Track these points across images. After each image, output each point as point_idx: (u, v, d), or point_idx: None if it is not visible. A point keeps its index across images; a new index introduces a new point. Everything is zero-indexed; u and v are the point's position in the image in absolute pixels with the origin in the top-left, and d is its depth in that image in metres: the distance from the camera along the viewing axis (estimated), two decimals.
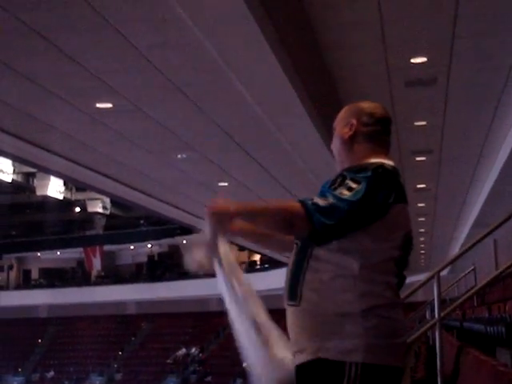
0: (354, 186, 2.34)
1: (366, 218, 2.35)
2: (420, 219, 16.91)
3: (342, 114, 2.63)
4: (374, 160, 2.48)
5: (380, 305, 2.38)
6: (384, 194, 2.38)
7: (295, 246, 2.51)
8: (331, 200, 2.32)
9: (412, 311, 11.22)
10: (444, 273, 6.09)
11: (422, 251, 22.97)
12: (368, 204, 2.33)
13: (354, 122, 2.55)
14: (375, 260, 2.39)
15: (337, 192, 2.34)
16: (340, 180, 2.39)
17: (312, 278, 2.42)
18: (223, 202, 2.40)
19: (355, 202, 2.31)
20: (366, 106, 2.60)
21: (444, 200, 14.51)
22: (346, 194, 2.32)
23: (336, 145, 2.60)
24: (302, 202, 2.32)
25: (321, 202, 2.32)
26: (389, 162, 2.52)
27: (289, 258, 2.55)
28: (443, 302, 7.22)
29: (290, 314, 2.48)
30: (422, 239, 20.49)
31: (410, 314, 10.78)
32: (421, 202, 14.70)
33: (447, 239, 20.60)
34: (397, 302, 2.46)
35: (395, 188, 2.43)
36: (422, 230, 18.72)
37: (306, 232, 2.35)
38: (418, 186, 13.09)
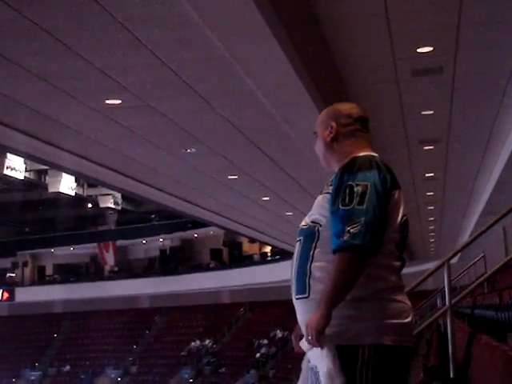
0: (362, 192, 2.46)
1: (386, 215, 2.50)
2: (429, 208, 16.91)
3: (321, 117, 2.75)
4: (361, 153, 2.62)
5: (386, 287, 2.49)
6: (384, 184, 2.52)
7: (298, 242, 2.60)
8: (358, 223, 2.42)
9: (423, 299, 11.27)
10: (454, 260, 6.12)
11: (432, 239, 22.96)
12: (383, 201, 2.49)
13: (334, 124, 2.67)
14: (382, 247, 2.50)
15: (356, 206, 2.44)
16: (348, 191, 2.48)
17: (319, 268, 2.51)
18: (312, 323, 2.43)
19: (376, 207, 2.46)
20: (343, 107, 2.71)
21: (452, 188, 14.52)
22: (362, 204, 2.45)
23: (320, 148, 2.73)
24: (345, 249, 2.42)
25: (353, 230, 2.42)
26: (374, 154, 2.66)
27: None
28: (454, 290, 7.26)
29: (301, 308, 2.56)
30: (431, 227, 20.48)
31: (420, 301, 10.83)
32: (429, 191, 14.71)
33: (456, 227, 20.58)
34: (400, 285, 2.57)
35: (390, 176, 2.57)
36: (431, 219, 18.72)
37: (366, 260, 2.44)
38: (427, 174, 13.11)
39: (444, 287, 5.44)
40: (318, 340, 2.40)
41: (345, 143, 2.66)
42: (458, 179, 13.70)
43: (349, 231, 2.41)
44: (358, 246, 2.39)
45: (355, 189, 2.46)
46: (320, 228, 2.54)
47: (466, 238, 19.99)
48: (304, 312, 2.53)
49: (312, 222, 2.58)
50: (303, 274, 2.52)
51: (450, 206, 16.68)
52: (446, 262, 5.35)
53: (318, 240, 2.53)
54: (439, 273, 5.54)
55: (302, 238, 2.59)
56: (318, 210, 2.58)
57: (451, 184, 14.01)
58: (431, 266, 6.03)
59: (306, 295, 2.51)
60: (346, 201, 2.45)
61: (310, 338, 2.42)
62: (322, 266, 2.50)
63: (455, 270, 8.21)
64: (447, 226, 19.95)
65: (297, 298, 2.56)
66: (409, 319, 2.52)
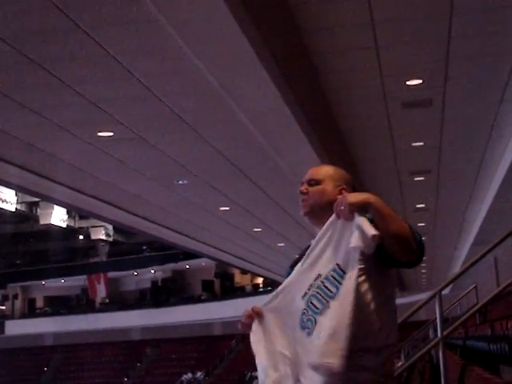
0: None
1: None
2: None
3: (331, 174, 2.75)
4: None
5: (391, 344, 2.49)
6: None
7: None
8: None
9: (415, 330, 11.24)
10: (446, 291, 6.14)
11: (423, 270, 22.95)
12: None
13: (346, 188, 2.70)
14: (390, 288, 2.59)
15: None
16: None
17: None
18: (352, 197, 2.45)
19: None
20: (349, 177, 2.79)
21: (444, 219, 14.57)
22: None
23: (322, 199, 2.69)
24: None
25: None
26: None
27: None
28: (446, 321, 7.27)
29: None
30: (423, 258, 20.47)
31: (412, 333, 10.81)
32: (421, 222, 14.76)
33: (448, 258, 20.61)
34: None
35: None
36: None
37: (413, 256, 2.52)
38: (418, 205, 13.17)
39: (436, 318, 5.44)
40: (351, 212, 2.41)
41: None
42: (449, 210, 13.76)
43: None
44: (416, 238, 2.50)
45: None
46: None
47: (457, 268, 20.02)
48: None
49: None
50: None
51: (441, 237, 16.72)
52: (437, 293, 5.36)
53: None
54: (431, 304, 5.55)
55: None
56: None
57: (442, 214, 14.07)
58: (423, 296, 6.05)
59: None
60: None
61: (342, 208, 2.43)
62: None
63: (447, 300, 8.21)
64: (439, 257, 19.98)
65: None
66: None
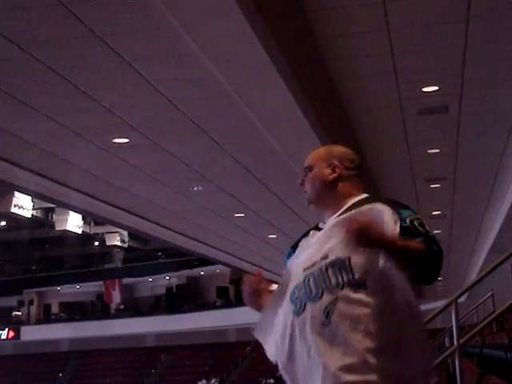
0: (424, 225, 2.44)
1: None
2: None
3: (322, 155, 2.65)
4: (362, 196, 2.57)
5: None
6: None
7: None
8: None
9: (431, 338, 11.16)
10: (462, 299, 6.09)
11: (440, 278, 22.82)
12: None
13: (338, 164, 2.60)
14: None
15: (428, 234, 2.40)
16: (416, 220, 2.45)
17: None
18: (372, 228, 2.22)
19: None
20: (346, 151, 2.66)
21: (460, 226, 14.49)
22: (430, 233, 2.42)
23: (316, 185, 2.61)
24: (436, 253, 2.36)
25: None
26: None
27: None
28: (462, 329, 7.20)
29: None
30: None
31: (429, 341, 10.76)
32: (436, 229, 14.67)
33: (464, 265, 20.49)
34: None
35: None
36: None
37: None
38: (434, 212, 13.09)
39: (452, 326, 5.40)
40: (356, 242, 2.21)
41: (345, 185, 2.59)
42: (466, 217, 13.68)
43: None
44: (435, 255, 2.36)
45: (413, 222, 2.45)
46: None
47: (474, 275, 19.89)
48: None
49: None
50: None
51: (457, 244, 16.63)
52: (453, 300, 5.32)
53: None
54: (447, 312, 5.50)
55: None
56: None
57: (458, 222, 13.99)
58: (439, 304, 6.00)
59: None
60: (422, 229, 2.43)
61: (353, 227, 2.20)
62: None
63: (463, 308, 8.16)
64: (455, 264, 19.87)
65: None
66: None
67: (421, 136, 8.43)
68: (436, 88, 6.81)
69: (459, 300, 5.41)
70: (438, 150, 9.06)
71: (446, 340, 10.50)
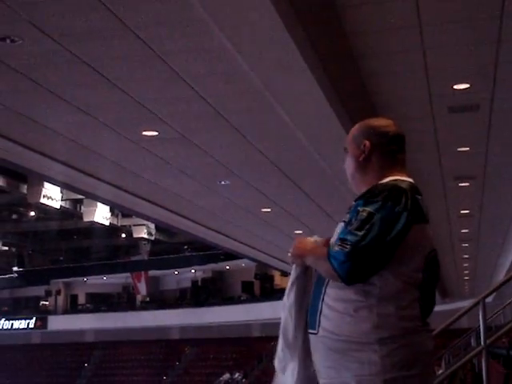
0: (367, 224, 2.29)
1: (387, 254, 2.29)
2: (464, 245, 16.73)
3: (353, 132, 2.55)
4: (388, 179, 2.43)
5: (396, 335, 2.30)
6: (400, 219, 2.30)
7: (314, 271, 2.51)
8: (348, 245, 2.28)
9: (457, 338, 11.09)
10: (489, 299, 6.04)
11: (466, 277, 22.67)
12: (384, 241, 2.28)
13: (367, 143, 2.48)
14: (394, 288, 2.32)
15: (353, 233, 2.29)
16: (355, 217, 2.34)
17: (328, 306, 2.38)
18: (304, 243, 2.62)
19: (371, 243, 2.26)
20: (378, 124, 2.53)
21: (488, 226, 14.36)
22: (359, 234, 2.27)
23: (350, 166, 2.53)
24: (328, 254, 2.37)
25: (337, 247, 2.32)
26: (405, 180, 2.45)
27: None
28: (489, 329, 7.14)
29: (312, 344, 2.44)
30: (465, 265, 20.23)
31: (454, 340, 10.66)
32: (464, 228, 14.57)
33: (492, 265, 20.31)
34: (417, 330, 2.35)
35: (412, 208, 2.34)
36: (466, 256, 18.50)
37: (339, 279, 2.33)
38: (462, 211, 12.99)
39: (479, 326, 5.35)
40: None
41: (377, 167, 2.46)
42: (494, 216, 13.55)
43: (336, 250, 2.32)
44: (333, 266, 2.31)
45: (360, 214, 2.31)
46: None
47: (501, 276, 19.71)
48: (312, 348, 2.42)
49: None
50: (315, 309, 2.41)
51: (485, 244, 16.49)
52: (481, 300, 5.26)
53: None
54: (474, 311, 5.45)
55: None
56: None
57: (487, 221, 13.86)
58: (465, 304, 5.95)
59: (316, 331, 2.39)
60: (352, 224, 2.33)
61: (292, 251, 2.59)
62: (331, 304, 2.37)
63: (490, 308, 8.09)
64: (482, 264, 19.71)
65: (309, 333, 2.44)
66: (418, 369, 2.32)
67: (451, 134, 8.36)
68: (467, 86, 6.74)
69: (486, 300, 5.36)
70: (467, 149, 8.97)
71: (472, 340, 10.41)
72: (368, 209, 2.30)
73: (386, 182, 2.43)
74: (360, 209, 2.33)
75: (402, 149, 2.53)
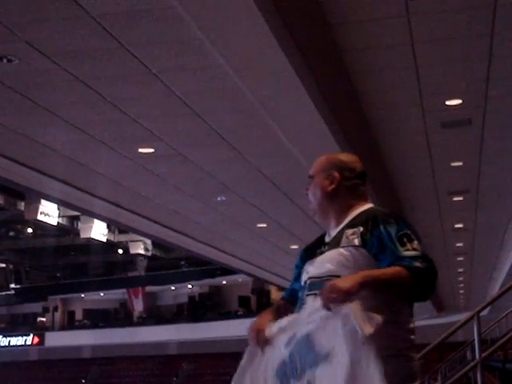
0: (411, 240, 2.44)
1: None
2: (458, 259, 16.77)
3: (322, 164, 2.66)
4: (368, 206, 2.60)
5: (406, 347, 2.42)
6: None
7: (313, 295, 2.53)
8: (418, 251, 2.41)
9: (452, 351, 11.11)
10: (484, 313, 6.06)
11: (461, 291, 22.67)
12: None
13: (337, 175, 2.60)
14: (400, 303, 2.45)
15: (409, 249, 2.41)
16: (406, 238, 2.45)
17: None
18: (344, 283, 2.31)
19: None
20: (346, 159, 2.66)
21: (482, 239, 14.40)
22: (414, 247, 2.42)
23: (316, 195, 2.64)
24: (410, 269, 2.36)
25: (406, 252, 2.40)
26: (376, 207, 2.64)
27: None
28: (484, 343, 7.18)
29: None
30: (460, 279, 20.26)
31: (450, 354, 10.69)
32: (459, 242, 14.61)
33: (487, 278, 20.33)
34: (415, 344, 2.49)
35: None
36: (461, 270, 18.53)
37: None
38: (456, 225, 13.04)
39: (474, 340, 5.38)
40: (345, 300, 2.28)
41: (346, 196, 2.60)
42: (488, 230, 13.60)
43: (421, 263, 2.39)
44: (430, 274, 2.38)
45: (412, 236, 2.45)
46: None
47: (496, 289, 19.73)
48: None
49: (331, 275, 2.45)
50: None
51: (479, 257, 16.52)
52: (475, 314, 5.30)
53: None
54: (469, 325, 5.49)
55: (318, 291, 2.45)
56: (337, 263, 2.48)
57: (481, 235, 13.91)
58: (461, 317, 5.97)
59: None
60: (410, 246, 2.42)
61: (334, 296, 2.28)
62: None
63: (485, 322, 8.13)
64: (477, 277, 19.73)
65: None
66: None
67: (444, 149, 8.43)
68: (460, 101, 6.82)
69: (482, 313, 5.39)
70: (461, 163, 9.04)
71: (468, 353, 10.44)
72: (402, 232, 2.45)
73: (377, 208, 2.62)
74: (407, 231, 2.45)
75: (364, 182, 2.69)
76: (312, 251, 2.64)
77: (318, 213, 2.66)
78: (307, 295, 2.54)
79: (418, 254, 2.40)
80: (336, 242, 2.54)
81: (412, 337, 2.47)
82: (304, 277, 2.60)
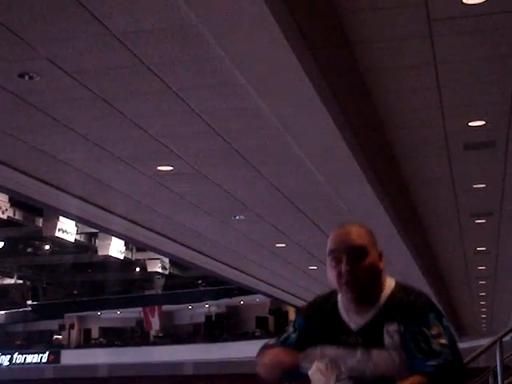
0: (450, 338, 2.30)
1: None
2: (481, 282, 16.57)
3: (370, 238, 2.39)
4: (392, 283, 2.40)
5: None
6: None
7: None
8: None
9: (474, 377, 10.92)
10: (507, 338, 5.96)
11: (483, 315, 22.42)
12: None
13: (382, 251, 2.39)
14: None
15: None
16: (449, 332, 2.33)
17: None
18: None
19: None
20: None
21: (505, 263, 14.23)
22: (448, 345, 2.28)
23: (369, 273, 2.32)
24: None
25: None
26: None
27: None
28: (507, 369, 7.04)
29: None
30: (482, 303, 20.02)
31: (471, 380, 10.50)
32: (481, 265, 14.45)
33: (510, 303, 20.08)
34: None
35: None
36: (483, 294, 18.31)
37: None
38: (478, 248, 12.90)
39: (496, 366, 5.29)
40: None
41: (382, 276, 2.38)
42: (511, 253, 13.44)
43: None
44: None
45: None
46: None
47: None
48: None
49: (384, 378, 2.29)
50: None
51: (502, 282, 16.32)
52: (498, 339, 5.21)
53: None
54: (491, 350, 5.39)
55: None
56: (385, 365, 2.30)
57: (504, 258, 13.75)
58: (483, 342, 5.88)
59: None
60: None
61: None
62: None
63: (508, 347, 7.98)
64: (499, 302, 19.49)
65: None
66: None
67: (466, 170, 8.35)
68: (483, 123, 6.74)
69: (504, 339, 5.30)
70: (483, 185, 8.94)
71: (490, 379, 10.25)
72: (444, 324, 2.31)
73: (413, 288, 2.41)
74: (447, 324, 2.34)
75: None
76: (324, 326, 2.45)
77: (358, 291, 2.34)
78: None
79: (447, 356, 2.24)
80: (375, 337, 2.33)
81: None
82: (330, 363, 2.39)
